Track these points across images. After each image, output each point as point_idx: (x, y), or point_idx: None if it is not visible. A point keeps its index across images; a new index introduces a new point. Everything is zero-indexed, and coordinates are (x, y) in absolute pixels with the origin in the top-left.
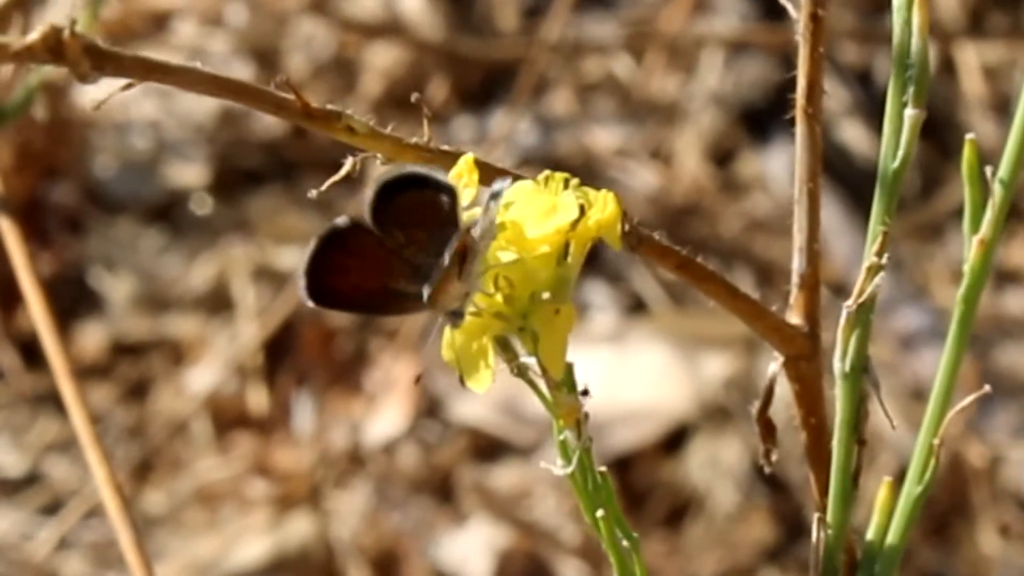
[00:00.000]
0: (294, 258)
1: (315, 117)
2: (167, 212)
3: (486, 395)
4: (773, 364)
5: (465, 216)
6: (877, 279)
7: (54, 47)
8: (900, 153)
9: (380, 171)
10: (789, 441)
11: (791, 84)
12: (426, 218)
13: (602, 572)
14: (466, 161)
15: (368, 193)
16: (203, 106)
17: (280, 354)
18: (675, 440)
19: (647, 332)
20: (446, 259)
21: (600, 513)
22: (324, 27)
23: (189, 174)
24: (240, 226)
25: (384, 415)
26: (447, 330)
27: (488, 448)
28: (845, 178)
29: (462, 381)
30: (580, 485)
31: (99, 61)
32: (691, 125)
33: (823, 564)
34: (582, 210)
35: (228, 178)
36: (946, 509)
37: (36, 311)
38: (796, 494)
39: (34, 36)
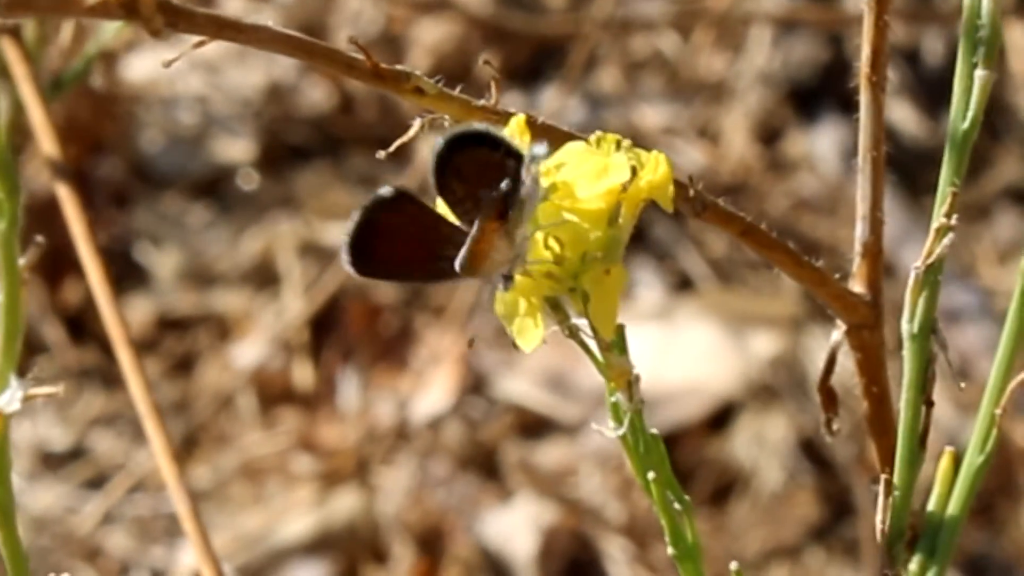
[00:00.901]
0: (340, 234)
1: (384, 77)
2: (214, 187)
3: (530, 371)
4: (836, 332)
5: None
6: (945, 240)
7: (128, 3)
8: (970, 114)
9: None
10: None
11: (838, 63)
12: (489, 179)
13: (647, 550)
14: (518, 121)
15: (437, 143)
16: (250, 81)
17: (326, 330)
18: (721, 418)
19: (694, 310)
20: (476, 224)
21: (652, 475)
22: (372, 2)
23: (236, 149)
24: (286, 202)
25: (430, 391)
26: (498, 286)
27: (533, 425)
28: (892, 158)
29: (513, 343)
30: (632, 448)
31: (172, 17)
32: (738, 104)
33: (890, 526)
34: (634, 171)
35: (275, 154)
36: (992, 490)
37: (93, 278)
38: (842, 473)
39: None
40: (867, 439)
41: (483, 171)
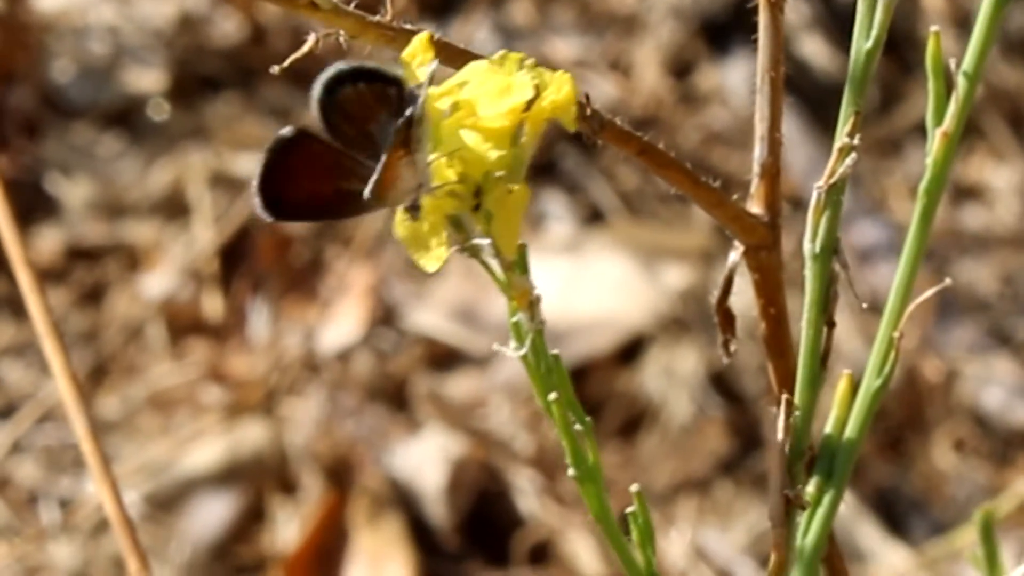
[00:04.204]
0: (251, 165)
1: None
2: (124, 117)
3: (441, 303)
4: (733, 253)
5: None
6: (848, 160)
7: None
8: (873, 33)
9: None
10: (744, 353)
11: None
12: (376, 113)
13: (556, 481)
14: (421, 40)
15: (315, 90)
16: (161, 11)
17: (236, 261)
18: (631, 351)
19: (604, 243)
20: (383, 155)
21: (552, 396)
22: None
23: (147, 80)
24: (197, 132)
25: (339, 322)
26: (399, 210)
27: (443, 357)
28: (804, 92)
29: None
30: (533, 368)
31: None
32: (650, 37)
33: (791, 446)
34: (537, 91)
35: (186, 84)
36: (901, 424)
37: None
38: (751, 407)
39: None
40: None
41: (368, 106)
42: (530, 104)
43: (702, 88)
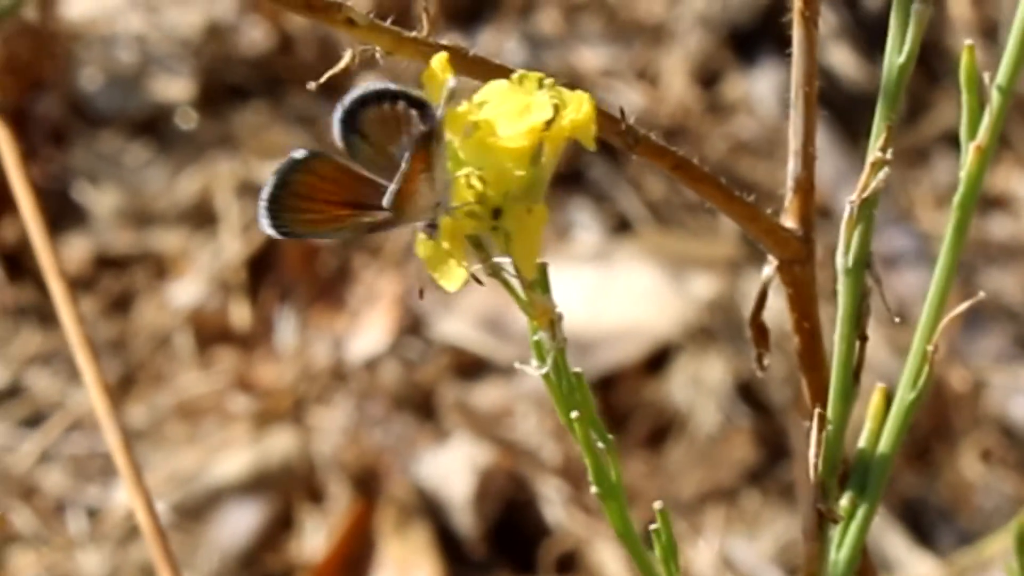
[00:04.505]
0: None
1: (315, 8)
2: (152, 126)
3: (468, 313)
4: (767, 267)
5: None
6: (881, 175)
7: None
8: (906, 48)
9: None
10: (771, 363)
11: (778, 7)
12: (399, 134)
13: (582, 491)
14: (440, 59)
15: (336, 113)
16: (189, 20)
17: (263, 269)
18: (658, 360)
19: (632, 252)
20: (404, 165)
21: (575, 414)
22: None
23: (174, 88)
24: (225, 141)
25: (367, 332)
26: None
27: (470, 366)
28: (831, 101)
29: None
30: (555, 386)
31: None
32: (678, 46)
33: (823, 461)
34: (556, 110)
35: (213, 93)
36: (928, 434)
37: (27, 217)
38: (778, 416)
39: None
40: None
41: (390, 127)
42: (549, 124)
43: (729, 97)
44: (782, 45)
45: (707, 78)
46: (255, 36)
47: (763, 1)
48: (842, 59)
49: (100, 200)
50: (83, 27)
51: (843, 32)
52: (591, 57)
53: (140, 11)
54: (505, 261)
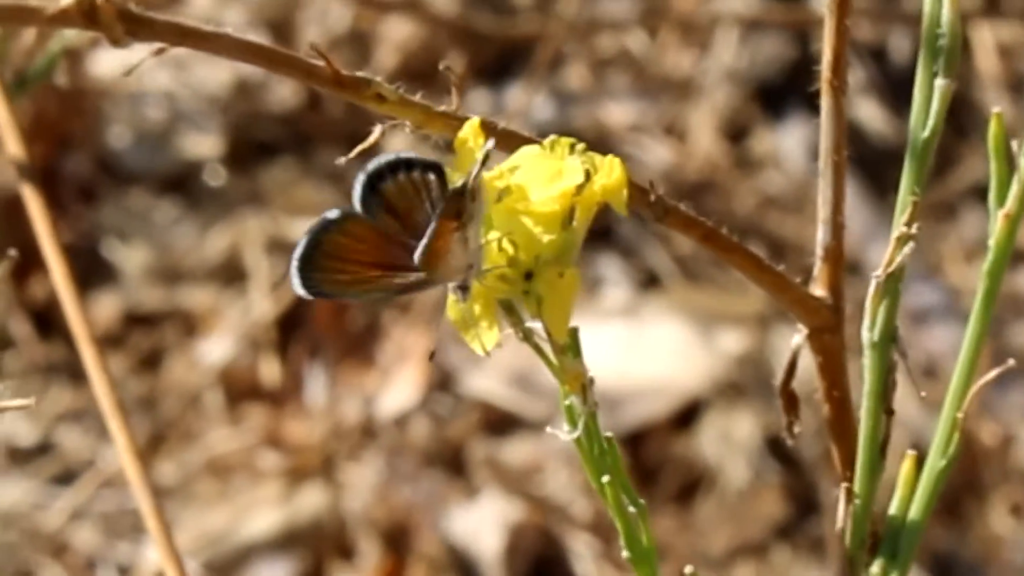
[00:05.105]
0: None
1: (345, 84)
2: (181, 183)
3: (498, 369)
4: (797, 336)
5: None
6: (906, 249)
7: (88, 12)
8: (930, 123)
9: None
10: (802, 418)
11: (805, 61)
12: (420, 201)
13: (613, 546)
14: (472, 125)
15: (355, 187)
16: (217, 77)
17: (293, 326)
18: (687, 415)
19: (660, 307)
20: (431, 227)
21: (606, 479)
22: (339, 0)
23: (203, 145)
24: (254, 198)
25: (396, 388)
26: (451, 292)
27: (500, 422)
28: (859, 155)
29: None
30: (586, 450)
31: (133, 26)
32: (705, 101)
33: (851, 534)
34: (587, 175)
35: (242, 150)
36: (958, 488)
37: (57, 277)
38: (808, 471)
39: (69, 0)
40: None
41: (410, 196)
42: (581, 188)
43: (757, 152)
44: (809, 101)
45: (735, 133)
46: (283, 93)
47: (790, 56)
48: (870, 113)
49: (129, 257)
50: (111, 84)
51: (870, 86)
52: (619, 112)
53: (168, 68)
54: (536, 325)
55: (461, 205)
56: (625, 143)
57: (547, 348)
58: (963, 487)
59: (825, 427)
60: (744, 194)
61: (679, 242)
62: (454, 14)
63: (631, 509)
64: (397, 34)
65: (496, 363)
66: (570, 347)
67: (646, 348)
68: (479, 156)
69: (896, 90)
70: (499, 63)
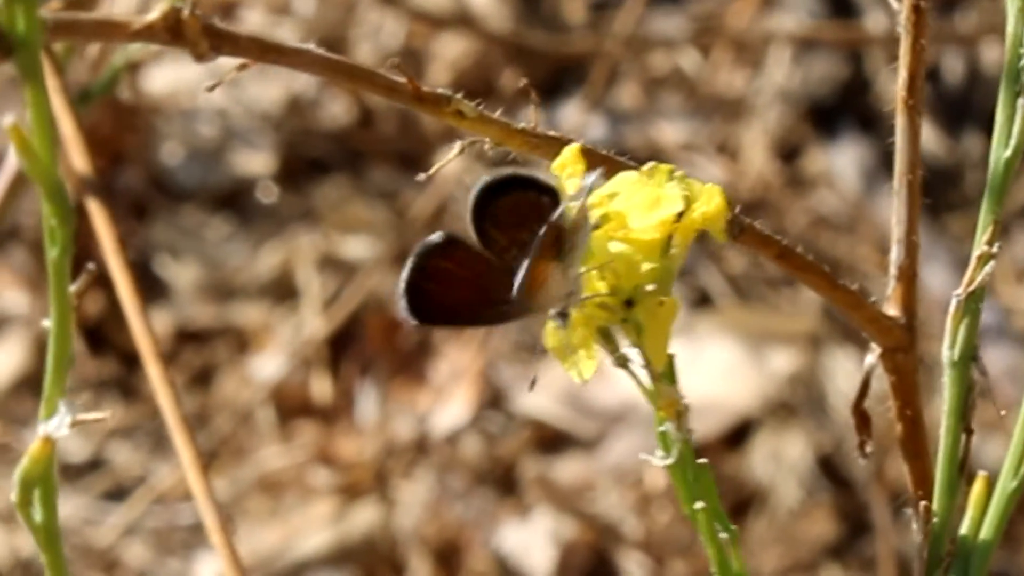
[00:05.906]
0: (359, 247)
1: (425, 100)
2: (233, 200)
3: (549, 387)
4: (870, 355)
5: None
6: (988, 268)
7: (173, 27)
8: (1012, 142)
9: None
10: (851, 438)
11: (858, 81)
12: (529, 221)
13: (664, 565)
14: (572, 151)
15: (470, 195)
16: (270, 95)
17: (345, 343)
18: (739, 435)
19: (712, 326)
20: (532, 252)
21: (699, 505)
22: (392, 17)
23: (255, 162)
24: (306, 215)
25: (448, 406)
26: (549, 320)
27: (551, 440)
28: None
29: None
30: (679, 477)
31: (217, 41)
32: (758, 120)
33: (929, 554)
34: (687, 202)
35: (294, 167)
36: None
37: (123, 292)
38: (859, 491)
39: (154, 15)
40: (885, 457)
41: (521, 215)
42: (680, 216)
43: (809, 171)
44: (862, 120)
45: (787, 152)
46: (335, 110)
47: (843, 75)
48: (923, 135)
49: (181, 274)
50: (164, 101)
51: (924, 107)
52: (671, 131)
53: (221, 85)
54: (633, 352)
55: (563, 235)
56: (677, 162)
57: (643, 375)
58: (1017, 506)
59: (887, 443)
60: (796, 213)
61: (731, 261)
62: (507, 31)
63: (722, 535)
64: (450, 51)
65: (547, 381)
66: (666, 374)
67: (697, 367)
68: (584, 186)
69: (949, 111)
70: (552, 81)
